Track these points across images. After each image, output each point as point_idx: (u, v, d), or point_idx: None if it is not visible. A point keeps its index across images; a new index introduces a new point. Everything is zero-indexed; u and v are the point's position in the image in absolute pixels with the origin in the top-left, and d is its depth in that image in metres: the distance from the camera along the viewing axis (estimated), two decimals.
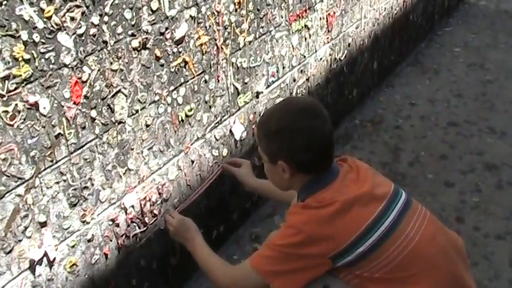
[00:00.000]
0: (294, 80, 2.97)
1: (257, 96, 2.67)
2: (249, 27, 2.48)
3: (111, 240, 2.04)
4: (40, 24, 1.58)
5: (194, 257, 2.08)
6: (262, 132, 1.84)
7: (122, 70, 1.89)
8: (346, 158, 1.90)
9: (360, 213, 1.69)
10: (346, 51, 3.50)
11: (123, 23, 1.85)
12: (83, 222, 1.90)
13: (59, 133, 1.73)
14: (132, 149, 2.03)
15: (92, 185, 1.90)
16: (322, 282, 1.75)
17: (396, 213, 1.72)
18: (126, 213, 2.07)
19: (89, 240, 1.94)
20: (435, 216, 1.83)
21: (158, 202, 2.21)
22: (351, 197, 1.70)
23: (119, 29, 1.84)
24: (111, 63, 1.84)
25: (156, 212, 2.21)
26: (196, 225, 2.17)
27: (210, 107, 2.37)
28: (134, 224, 2.12)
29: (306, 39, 2.98)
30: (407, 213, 1.74)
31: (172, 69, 2.11)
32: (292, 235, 1.71)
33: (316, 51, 3.13)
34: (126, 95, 1.94)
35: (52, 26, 1.61)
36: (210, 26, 2.24)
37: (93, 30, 1.74)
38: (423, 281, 1.66)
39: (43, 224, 1.75)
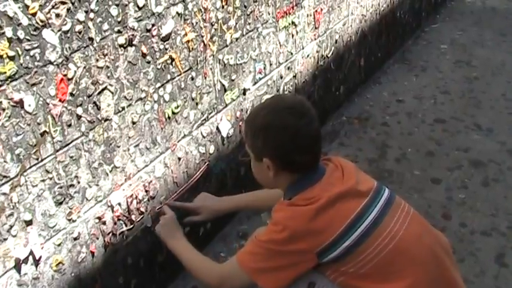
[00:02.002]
0: (281, 77, 2.97)
1: (244, 93, 2.67)
2: (236, 24, 2.47)
3: (97, 238, 2.02)
4: (25, 21, 1.56)
5: (178, 256, 2.07)
6: (249, 128, 1.85)
7: (108, 67, 1.88)
8: (331, 158, 1.91)
9: (344, 208, 1.70)
10: (333, 48, 3.50)
11: (109, 19, 1.84)
12: (69, 220, 1.89)
13: (45, 131, 1.71)
14: (119, 147, 2.02)
15: (78, 182, 1.89)
16: (308, 279, 1.76)
17: (379, 208, 1.74)
18: (112, 211, 2.05)
19: (75, 239, 1.93)
20: (420, 215, 1.84)
21: (145, 200, 2.20)
22: (335, 193, 1.71)
23: (105, 26, 1.83)
24: (97, 60, 1.83)
25: (142, 209, 2.20)
26: None
27: (197, 104, 2.36)
28: (121, 221, 2.11)
29: (293, 36, 2.97)
30: (390, 209, 1.75)
31: (159, 66, 2.10)
32: (277, 232, 1.71)
33: (303, 48, 3.12)
34: (112, 92, 1.92)
35: (37, 23, 1.60)
36: (196, 23, 2.23)
37: (78, 27, 1.73)
38: (409, 277, 1.66)
39: (28, 223, 1.74)
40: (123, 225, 2.13)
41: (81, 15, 1.73)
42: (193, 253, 2.05)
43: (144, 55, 2.02)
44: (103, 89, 1.88)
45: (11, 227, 1.68)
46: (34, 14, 1.58)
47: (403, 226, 1.72)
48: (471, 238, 2.78)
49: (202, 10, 2.24)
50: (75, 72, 1.76)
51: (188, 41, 2.21)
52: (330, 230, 1.67)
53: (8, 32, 1.52)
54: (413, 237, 1.72)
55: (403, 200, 1.86)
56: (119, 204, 2.08)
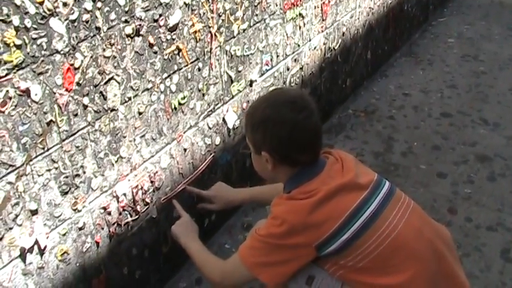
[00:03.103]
0: (288, 69, 2.96)
1: (251, 85, 2.66)
2: (243, 15, 2.46)
3: (102, 229, 2.02)
4: (32, 10, 1.56)
5: (189, 254, 2.07)
6: (249, 122, 1.85)
7: (114, 57, 1.87)
8: (331, 151, 1.90)
9: (343, 200, 1.70)
10: (340, 41, 3.49)
11: (117, 9, 1.83)
12: (75, 210, 1.89)
13: (51, 120, 1.71)
14: (125, 137, 2.01)
15: (84, 172, 1.88)
16: (308, 272, 1.77)
17: (379, 201, 1.73)
18: (118, 202, 2.05)
19: (80, 229, 1.93)
20: (421, 208, 1.84)
21: (150, 190, 2.20)
22: (333, 186, 1.71)
23: (112, 15, 1.82)
24: (104, 50, 1.82)
25: (148, 200, 2.19)
26: None
27: (203, 95, 2.36)
28: (126, 212, 2.11)
29: (300, 27, 2.96)
30: (390, 202, 1.75)
31: (166, 57, 2.09)
32: (276, 226, 1.71)
33: (310, 40, 3.11)
34: (119, 82, 1.92)
35: (44, 12, 1.59)
36: (204, 14, 2.22)
37: (86, 16, 1.72)
38: (408, 270, 1.66)
39: (34, 212, 1.74)
40: (128, 216, 2.13)
41: (88, 5, 1.72)
42: (201, 251, 2.05)
43: (151, 45, 2.01)
44: (110, 79, 1.88)
45: (17, 216, 1.68)
46: (41, 3, 1.58)
47: (403, 219, 1.72)
48: (476, 233, 2.77)
49: (210, 1, 2.23)
50: (82, 61, 1.75)
51: (195, 32, 2.20)
52: (328, 223, 1.67)
53: (15, 20, 1.52)
54: (413, 231, 1.72)
55: (407, 194, 1.85)
56: (124, 194, 2.07)
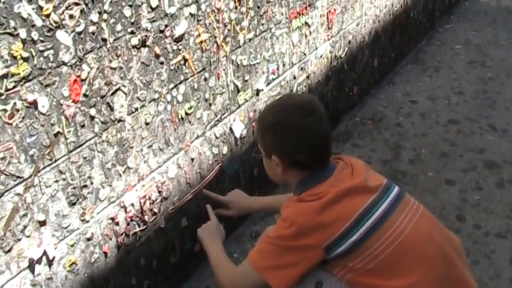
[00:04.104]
0: (294, 78, 2.96)
1: (257, 94, 2.66)
2: (249, 24, 2.47)
3: (110, 239, 2.03)
4: (39, 22, 1.57)
5: (209, 258, 2.10)
6: (259, 126, 1.89)
7: (121, 68, 1.88)
8: (342, 156, 1.92)
9: (352, 203, 1.71)
10: (346, 49, 3.49)
11: (123, 20, 1.84)
12: (83, 220, 1.89)
13: (58, 131, 1.72)
14: (132, 147, 2.02)
15: (92, 183, 1.89)
16: (316, 278, 1.76)
17: (388, 204, 1.74)
18: (125, 212, 2.06)
19: (89, 239, 1.93)
20: (432, 214, 1.84)
21: (158, 200, 2.21)
22: (343, 189, 1.72)
23: (118, 27, 1.83)
24: (111, 61, 1.83)
25: (155, 210, 2.20)
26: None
27: (210, 104, 2.36)
28: (134, 222, 2.12)
29: (306, 36, 2.97)
30: (399, 205, 1.76)
31: (172, 67, 2.10)
32: (285, 227, 1.72)
33: (316, 49, 3.12)
34: (125, 93, 1.93)
35: (51, 24, 1.60)
36: (210, 24, 2.23)
37: (92, 28, 1.73)
38: (416, 274, 1.66)
39: (42, 223, 1.74)
40: (136, 226, 2.13)
41: (94, 16, 1.73)
42: (219, 256, 2.07)
43: (157, 56, 2.02)
44: (116, 90, 1.89)
45: (25, 227, 1.69)
46: (48, 15, 1.59)
47: (411, 223, 1.73)
48: (486, 240, 2.76)
49: (216, 11, 2.24)
50: (88, 73, 1.76)
51: (201, 42, 2.21)
52: (337, 224, 1.68)
53: (22, 33, 1.53)
54: (422, 234, 1.72)
55: (413, 198, 1.86)
56: (132, 204, 2.08)
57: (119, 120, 1.94)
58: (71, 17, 1.66)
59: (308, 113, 1.77)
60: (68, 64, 1.69)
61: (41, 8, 1.56)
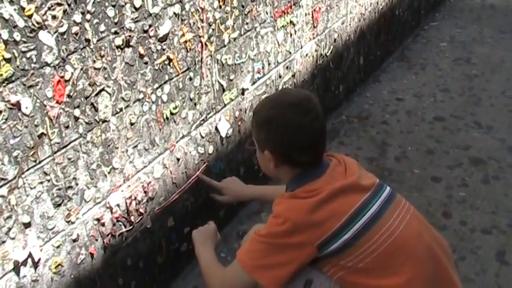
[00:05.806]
0: (280, 77, 2.96)
1: (243, 93, 2.66)
2: (234, 23, 2.47)
3: (96, 240, 2.02)
4: (21, 23, 1.56)
5: (199, 261, 2.05)
6: (254, 120, 1.88)
7: (105, 68, 1.87)
8: (334, 154, 1.92)
9: (345, 201, 1.71)
10: (332, 47, 3.50)
11: (106, 20, 1.83)
12: (68, 222, 1.88)
13: (42, 133, 1.71)
14: (117, 148, 2.01)
15: (77, 184, 1.89)
16: (305, 276, 1.76)
17: (380, 203, 1.74)
18: (111, 213, 2.05)
19: (74, 240, 1.93)
20: (420, 214, 1.85)
21: (144, 201, 2.20)
22: (337, 187, 1.72)
23: (102, 27, 1.82)
24: (94, 62, 1.83)
25: (142, 210, 2.19)
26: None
27: (195, 104, 2.36)
28: (120, 223, 2.11)
29: (291, 35, 2.97)
30: (391, 205, 1.76)
31: (157, 67, 2.10)
32: (278, 224, 1.71)
33: (301, 47, 3.12)
34: (109, 94, 1.92)
35: (33, 25, 1.60)
36: (194, 23, 2.23)
37: (75, 29, 1.73)
38: (406, 273, 1.66)
39: (27, 225, 1.73)
40: (123, 227, 2.13)
41: (77, 17, 1.72)
42: (209, 260, 2.01)
43: (141, 56, 2.01)
44: (100, 91, 1.88)
45: (10, 229, 1.68)
46: (30, 16, 1.58)
47: (403, 222, 1.73)
48: (471, 236, 2.77)
49: (200, 10, 2.23)
50: (72, 73, 1.75)
51: (186, 42, 2.21)
52: (330, 222, 1.67)
53: (4, 34, 1.52)
54: (412, 234, 1.73)
55: (404, 198, 1.86)
56: (118, 205, 2.07)
57: (104, 121, 1.93)
58: (54, 17, 1.65)
59: (303, 111, 1.75)
60: (51, 65, 1.68)
61: (23, 8, 1.55)
